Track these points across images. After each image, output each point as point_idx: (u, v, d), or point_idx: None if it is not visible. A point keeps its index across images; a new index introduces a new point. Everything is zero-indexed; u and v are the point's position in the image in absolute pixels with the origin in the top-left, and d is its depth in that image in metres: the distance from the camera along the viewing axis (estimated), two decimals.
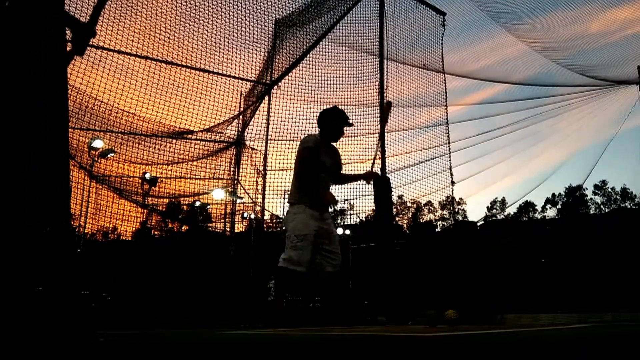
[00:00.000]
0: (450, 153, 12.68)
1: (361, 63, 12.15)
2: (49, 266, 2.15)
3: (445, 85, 13.29)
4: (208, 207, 15.01)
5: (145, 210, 13.16)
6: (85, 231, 14.17)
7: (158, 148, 11.32)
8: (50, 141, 2.18)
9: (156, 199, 13.35)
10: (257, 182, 13.16)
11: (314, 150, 3.58)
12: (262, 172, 12.74)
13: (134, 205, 12.45)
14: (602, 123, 21.89)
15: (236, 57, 11.02)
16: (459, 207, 55.43)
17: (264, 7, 10.79)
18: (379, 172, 3.77)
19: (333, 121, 3.75)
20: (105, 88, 9.61)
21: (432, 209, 55.64)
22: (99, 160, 11.74)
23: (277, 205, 13.94)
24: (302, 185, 3.63)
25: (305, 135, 3.94)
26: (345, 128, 3.82)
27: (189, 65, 10.58)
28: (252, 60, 11.49)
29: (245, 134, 12.96)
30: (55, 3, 2.36)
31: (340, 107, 4.05)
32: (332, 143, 3.84)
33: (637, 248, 19.67)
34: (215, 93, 10.92)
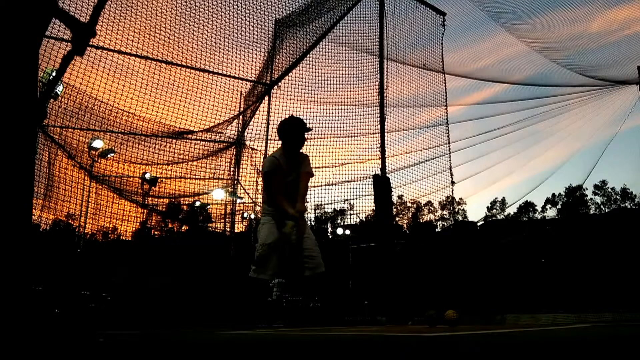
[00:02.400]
0: (450, 153, 12.69)
1: (361, 63, 12.17)
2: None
3: (445, 85, 13.31)
4: (208, 207, 15.01)
5: (145, 210, 13.16)
6: (85, 231, 14.18)
7: (158, 148, 11.32)
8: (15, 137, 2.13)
9: (156, 199, 13.35)
10: (257, 182, 13.16)
11: (269, 174, 3.77)
12: (262, 172, 12.73)
13: (134, 205, 12.44)
14: (602, 123, 21.88)
15: (236, 57, 11.04)
16: (459, 207, 55.50)
17: (264, 7, 10.80)
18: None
19: (289, 132, 3.80)
20: (105, 88, 9.63)
21: (432, 209, 55.69)
22: (99, 160, 11.74)
23: None
24: (268, 201, 3.82)
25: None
26: (305, 133, 3.88)
27: (189, 65, 10.58)
28: (252, 60, 11.51)
29: (245, 134, 12.96)
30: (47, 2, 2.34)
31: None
32: (299, 150, 3.89)
33: (637, 248, 19.66)
34: (215, 93, 10.93)
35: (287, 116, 4.00)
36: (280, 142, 3.88)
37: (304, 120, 3.88)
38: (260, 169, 4.13)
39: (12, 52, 2.15)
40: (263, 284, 3.64)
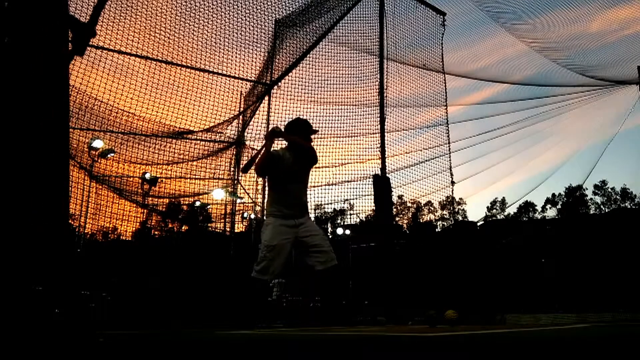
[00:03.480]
0: (450, 153, 12.70)
1: (361, 63, 12.17)
2: (48, 266, 2.14)
3: (445, 85, 13.31)
4: (208, 207, 15.00)
5: (145, 210, 13.15)
6: (85, 231, 14.17)
7: (158, 148, 11.32)
8: (50, 141, 2.17)
9: (156, 199, 13.34)
10: (257, 182, 13.15)
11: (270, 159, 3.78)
12: None
13: (134, 205, 12.44)
14: (602, 123, 21.92)
15: (236, 57, 11.03)
16: (459, 207, 55.42)
17: (264, 7, 10.80)
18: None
19: (296, 133, 3.86)
20: (105, 88, 9.62)
21: (432, 209, 55.64)
22: (99, 160, 11.73)
23: None
24: (272, 198, 3.80)
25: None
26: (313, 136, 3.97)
27: (189, 65, 10.58)
28: (252, 60, 11.51)
29: (245, 134, 12.96)
30: (56, 3, 2.35)
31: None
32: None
33: (637, 248, 19.66)
34: (215, 93, 10.93)
35: (293, 118, 4.06)
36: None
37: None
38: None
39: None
40: (263, 284, 3.64)
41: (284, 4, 10.97)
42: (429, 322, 7.70)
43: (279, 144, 4.07)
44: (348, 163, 12.27)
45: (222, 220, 14.80)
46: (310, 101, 11.83)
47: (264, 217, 3.87)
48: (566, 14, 14.09)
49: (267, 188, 3.90)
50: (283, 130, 3.94)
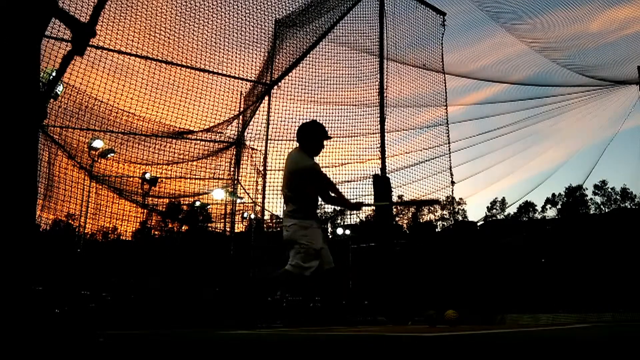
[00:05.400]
0: (450, 153, 12.68)
1: (361, 63, 12.15)
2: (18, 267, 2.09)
3: (445, 85, 13.29)
4: (208, 207, 15.01)
5: (145, 210, 13.16)
6: (85, 231, 14.18)
7: (158, 148, 11.32)
8: (17, 138, 2.13)
9: (156, 199, 13.35)
10: (257, 182, 13.16)
11: (318, 168, 3.80)
12: (262, 172, 12.73)
13: (134, 205, 12.45)
14: (602, 123, 21.94)
15: (236, 57, 11.03)
16: (459, 207, 55.47)
17: (264, 7, 10.80)
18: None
19: (314, 136, 3.83)
20: (105, 88, 9.62)
21: (432, 209, 55.66)
22: (99, 160, 11.74)
23: (277, 205, 13.89)
24: (311, 204, 3.85)
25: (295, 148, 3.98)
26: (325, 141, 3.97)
27: (189, 65, 10.57)
28: (252, 60, 11.50)
29: (245, 134, 12.95)
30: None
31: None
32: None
33: (637, 248, 19.67)
34: (215, 93, 10.92)
35: (309, 120, 4.09)
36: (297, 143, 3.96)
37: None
38: (298, 165, 4.01)
39: (13, 52, 2.15)
40: (265, 285, 3.76)
41: (284, 4, 10.97)
42: (429, 322, 7.69)
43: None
44: (348, 163, 12.26)
45: (222, 220, 14.81)
46: (310, 101, 11.83)
47: (302, 219, 3.81)
48: (566, 14, 14.09)
49: (298, 192, 3.84)
50: (297, 130, 3.89)
